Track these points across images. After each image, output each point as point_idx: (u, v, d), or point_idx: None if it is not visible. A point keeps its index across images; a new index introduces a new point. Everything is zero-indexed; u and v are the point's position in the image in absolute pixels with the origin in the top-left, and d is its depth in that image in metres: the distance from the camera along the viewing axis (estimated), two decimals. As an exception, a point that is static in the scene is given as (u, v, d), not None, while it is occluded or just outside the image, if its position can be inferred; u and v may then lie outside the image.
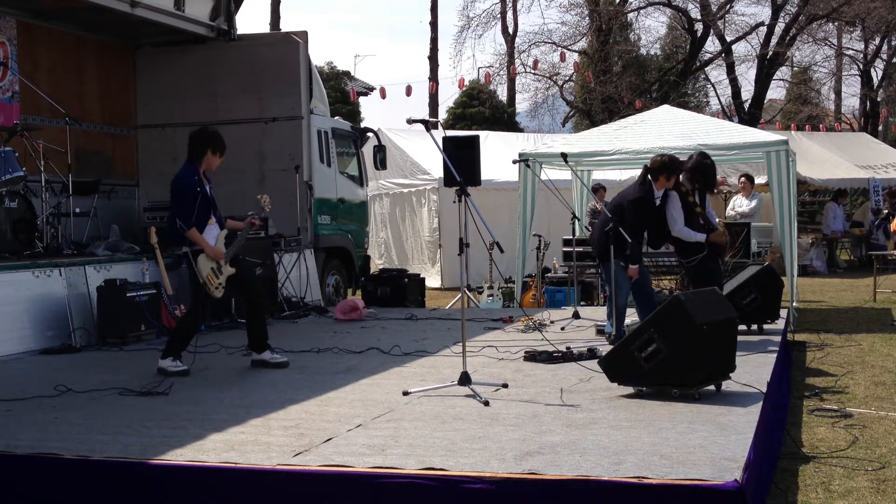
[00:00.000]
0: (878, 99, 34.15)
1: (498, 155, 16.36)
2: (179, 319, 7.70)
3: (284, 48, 12.12)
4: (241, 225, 7.30)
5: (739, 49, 32.53)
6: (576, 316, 9.77)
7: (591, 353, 7.12)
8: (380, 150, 13.71)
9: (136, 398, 5.96)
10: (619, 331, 7.78)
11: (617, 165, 14.23)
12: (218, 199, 7.27)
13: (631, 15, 31.87)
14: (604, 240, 7.98)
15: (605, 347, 7.11)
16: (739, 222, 12.18)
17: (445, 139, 10.14)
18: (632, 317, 8.42)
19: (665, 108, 13.98)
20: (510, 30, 33.96)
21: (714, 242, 8.06)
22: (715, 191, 8.18)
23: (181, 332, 7.13)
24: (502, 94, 34.45)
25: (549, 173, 11.28)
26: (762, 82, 31.02)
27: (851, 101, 39.55)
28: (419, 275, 14.05)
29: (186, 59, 12.38)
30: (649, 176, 7.98)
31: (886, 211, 19.17)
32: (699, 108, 34.79)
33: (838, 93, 38.70)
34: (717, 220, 8.34)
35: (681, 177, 8.11)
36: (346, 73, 33.70)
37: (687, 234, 8.02)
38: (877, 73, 34.74)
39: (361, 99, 32.59)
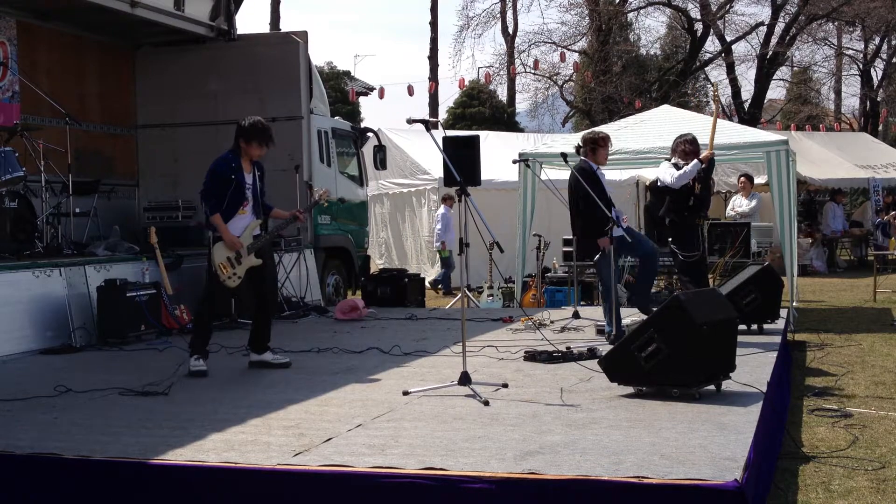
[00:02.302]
0: (878, 99, 34.15)
1: (498, 155, 16.35)
2: (194, 310, 7.63)
3: (284, 48, 12.11)
4: (286, 215, 7.32)
5: (739, 49, 32.60)
6: (576, 316, 9.76)
7: (591, 353, 7.12)
8: (380, 150, 13.71)
9: (136, 398, 5.96)
10: (618, 330, 7.83)
11: (617, 165, 14.19)
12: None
13: (631, 15, 31.90)
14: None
15: (605, 347, 7.11)
16: (739, 222, 12.18)
17: (445, 139, 10.12)
18: (632, 316, 8.43)
19: (665, 108, 13.99)
20: (510, 30, 33.99)
21: (707, 159, 8.43)
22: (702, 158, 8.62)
23: (197, 325, 7.12)
24: (502, 94, 34.52)
25: (549, 173, 11.28)
26: (762, 82, 31.02)
27: (851, 101, 39.62)
28: (419, 275, 14.05)
29: (186, 59, 12.37)
30: (582, 156, 8.39)
31: (892, 213, 19.18)
32: (699, 108, 34.76)
33: (838, 93, 38.73)
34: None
35: (674, 159, 8.60)
36: (346, 73, 33.74)
37: (680, 176, 8.36)
38: (877, 73, 34.79)
39: (361, 99, 32.63)
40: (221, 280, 6.94)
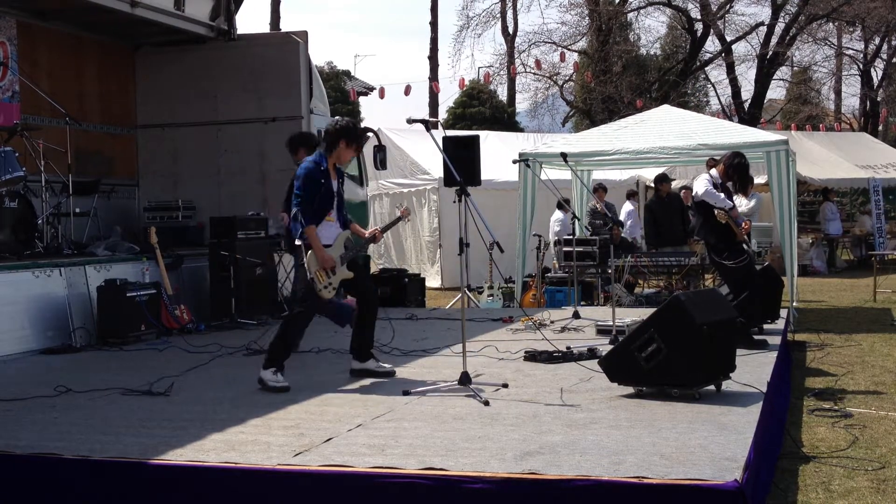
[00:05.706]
0: (878, 99, 34.13)
1: (498, 155, 16.36)
2: (284, 318, 6.68)
3: (284, 48, 12.10)
4: (365, 234, 6.82)
5: (739, 49, 32.55)
6: (576, 316, 9.76)
7: (591, 353, 7.12)
8: (380, 150, 13.69)
9: (137, 398, 5.96)
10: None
11: (617, 165, 14.25)
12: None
13: (631, 15, 31.90)
14: None
15: (605, 347, 7.09)
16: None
17: (445, 139, 10.15)
18: (631, 316, 8.41)
19: (665, 108, 14.00)
20: (510, 29, 34.00)
21: (731, 223, 7.98)
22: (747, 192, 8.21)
23: (283, 334, 6.47)
24: (502, 94, 34.54)
25: (549, 173, 11.29)
26: (762, 82, 31.01)
27: (851, 101, 39.60)
28: (419, 275, 14.04)
29: (186, 59, 12.37)
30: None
31: None
32: (699, 108, 34.77)
33: (838, 93, 38.73)
34: (742, 222, 8.34)
35: (714, 170, 8.21)
36: (346, 73, 33.74)
37: (714, 196, 8.00)
38: (877, 73, 34.78)
39: (361, 99, 32.64)
40: (318, 290, 6.46)
